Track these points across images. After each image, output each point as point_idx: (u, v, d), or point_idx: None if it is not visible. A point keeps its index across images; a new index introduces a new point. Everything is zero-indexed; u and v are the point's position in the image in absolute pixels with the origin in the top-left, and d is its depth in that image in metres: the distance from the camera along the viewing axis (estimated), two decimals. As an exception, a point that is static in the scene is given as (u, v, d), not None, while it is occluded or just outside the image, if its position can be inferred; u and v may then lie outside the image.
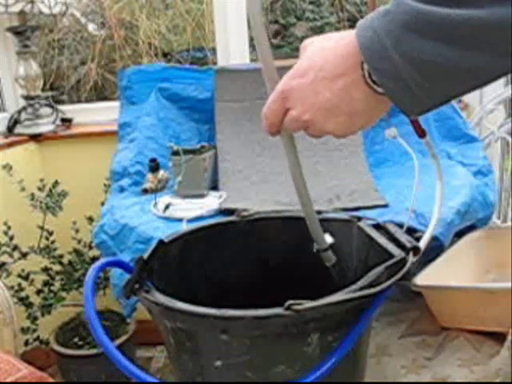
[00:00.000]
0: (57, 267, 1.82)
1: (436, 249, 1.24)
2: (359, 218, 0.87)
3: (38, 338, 1.81)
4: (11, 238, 1.74)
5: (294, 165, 0.69)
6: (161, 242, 0.82)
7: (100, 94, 2.45)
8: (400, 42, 0.47)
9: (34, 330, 1.77)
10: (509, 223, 1.73)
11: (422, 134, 0.80)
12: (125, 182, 1.57)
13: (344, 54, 0.53)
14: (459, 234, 1.35)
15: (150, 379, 0.63)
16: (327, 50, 0.55)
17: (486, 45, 0.46)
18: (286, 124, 0.60)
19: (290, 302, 0.60)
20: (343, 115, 0.55)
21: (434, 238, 1.16)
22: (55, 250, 1.82)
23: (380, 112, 0.56)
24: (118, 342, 1.76)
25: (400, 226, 0.84)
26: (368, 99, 0.53)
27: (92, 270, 0.68)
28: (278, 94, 0.58)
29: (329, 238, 0.76)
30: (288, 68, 0.59)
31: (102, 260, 0.73)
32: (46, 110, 1.95)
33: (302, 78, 0.56)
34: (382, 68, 0.49)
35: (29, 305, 1.77)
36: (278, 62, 0.62)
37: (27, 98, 1.91)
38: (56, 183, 1.81)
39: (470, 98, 1.92)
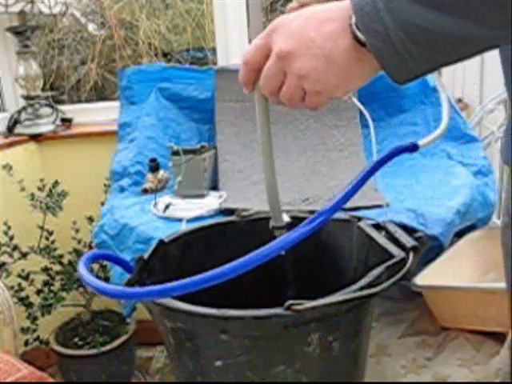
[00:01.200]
0: (57, 267, 1.82)
1: (436, 249, 1.24)
2: (359, 218, 0.87)
3: (38, 338, 1.81)
4: (11, 238, 1.74)
5: (264, 133, 0.66)
6: (161, 241, 0.82)
7: (100, 93, 2.44)
8: (393, 4, 0.48)
9: (34, 330, 1.77)
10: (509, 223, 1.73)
11: None
12: (125, 182, 1.57)
13: (339, 5, 0.54)
14: (459, 234, 1.35)
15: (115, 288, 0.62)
16: (323, 5, 0.56)
17: (476, 15, 0.47)
18: (264, 70, 0.57)
19: (290, 301, 0.60)
20: (321, 58, 0.53)
21: (434, 238, 1.16)
22: (55, 250, 1.81)
23: (359, 74, 0.55)
24: (118, 342, 1.76)
25: (400, 225, 0.84)
26: (350, 51, 0.53)
27: (81, 262, 0.68)
28: (267, 30, 0.57)
29: (286, 217, 0.74)
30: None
31: (91, 252, 0.73)
32: (46, 110, 1.95)
33: (296, 17, 0.56)
34: (373, 28, 0.50)
35: (29, 305, 1.77)
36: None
37: (27, 98, 1.91)
38: (56, 183, 1.81)
39: (470, 98, 1.92)
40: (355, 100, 0.67)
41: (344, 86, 0.55)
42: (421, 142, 0.62)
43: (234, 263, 0.56)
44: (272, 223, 0.73)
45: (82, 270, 0.65)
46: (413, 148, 0.62)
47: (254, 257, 0.56)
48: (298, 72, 0.55)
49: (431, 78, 1.65)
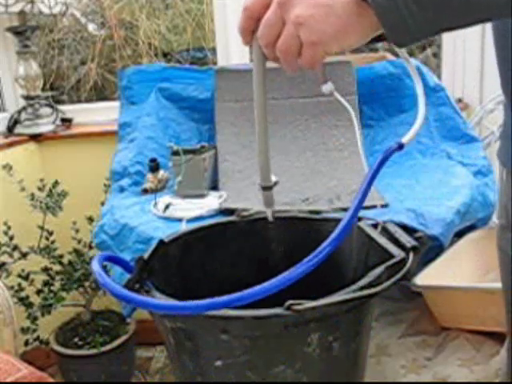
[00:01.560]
0: (57, 267, 1.82)
1: (436, 249, 1.24)
2: (359, 218, 0.87)
3: (38, 338, 1.81)
4: (11, 238, 1.74)
5: (258, 90, 0.64)
6: (161, 241, 0.82)
7: (100, 93, 2.44)
8: None
9: (34, 330, 1.77)
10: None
11: None
12: (125, 182, 1.57)
13: None
14: (459, 234, 1.35)
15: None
16: None
17: None
18: (264, 18, 0.56)
19: (290, 301, 0.60)
20: (322, 7, 0.52)
21: (434, 238, 1.16)
22: (55, 250, 1.81)
23: (357, 30, 0.54)
24: (118, 342, 1.76)
25: (400, 225, 0.84)
26: (351, 4, 0.52)
27: (94, 264, 0.68)
28: None
29: (274, 178, 0.73)
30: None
31: (103, 253, 0.73)
32: (46, 110, 1.95)
33: None
34: None
35: (29, 305, 1.77)
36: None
37: (27, 98, 1.91)
38: (56, 183, 1.81)
39: (470, 98, 1.92)
40: (337, 94, 0.66)
41: (340, 40, 0.54)
42: (404, 140, 0.63)
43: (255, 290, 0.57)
44: (260, 183, 0.72)
45: (106, 279, 0.64)
46: (399, 147, 0.63)
47: (265, 288, 0.56)
48: (297, 20, 0.54)
49: (431, 78, 1.65)
